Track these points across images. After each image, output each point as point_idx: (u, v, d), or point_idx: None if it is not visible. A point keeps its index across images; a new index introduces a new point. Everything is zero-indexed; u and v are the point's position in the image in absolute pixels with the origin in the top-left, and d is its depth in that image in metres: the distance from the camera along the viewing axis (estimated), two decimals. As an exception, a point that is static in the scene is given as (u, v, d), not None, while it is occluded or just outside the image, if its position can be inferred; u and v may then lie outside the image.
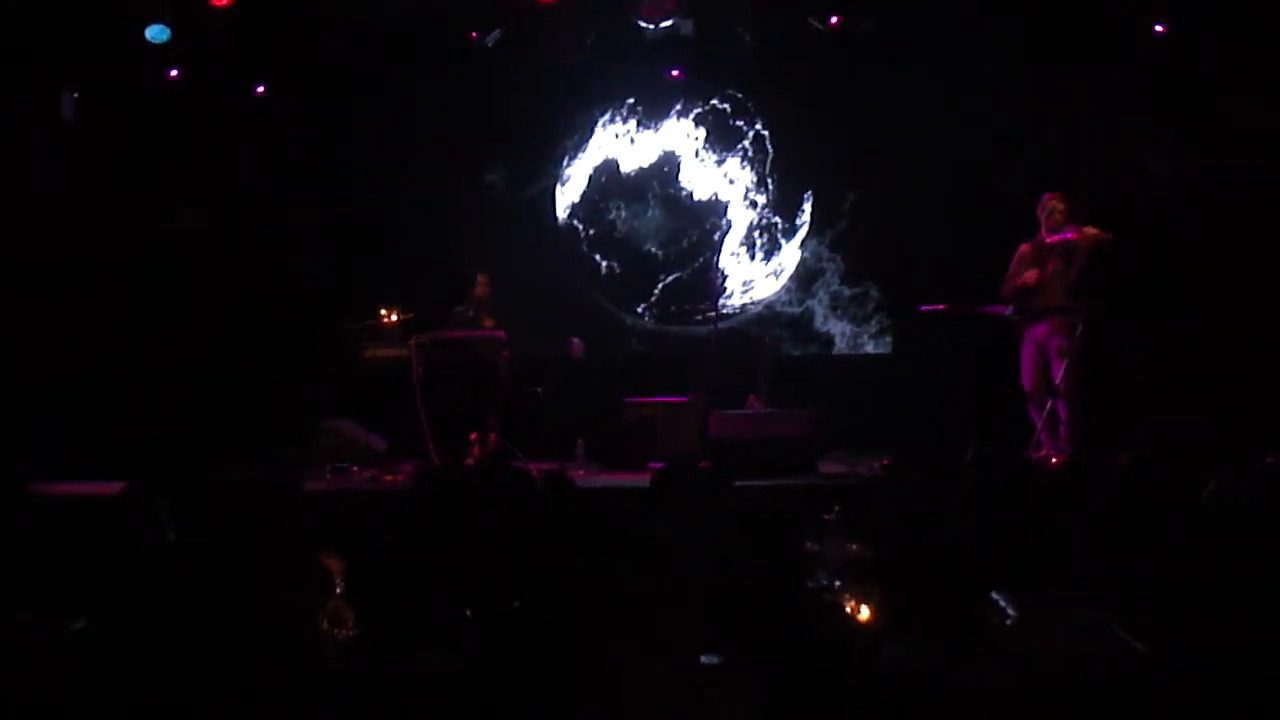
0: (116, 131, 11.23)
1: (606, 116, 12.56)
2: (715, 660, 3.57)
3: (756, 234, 12.47)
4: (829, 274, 12.07)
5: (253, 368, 11.14)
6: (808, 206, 12.35)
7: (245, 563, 4.05)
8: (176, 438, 9.98)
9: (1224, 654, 3.40)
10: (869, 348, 12.03)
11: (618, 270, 12.49)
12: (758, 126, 12.40)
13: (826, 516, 5.15)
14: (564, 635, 3.50)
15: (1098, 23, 10.52)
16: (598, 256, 12.50)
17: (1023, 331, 9.52)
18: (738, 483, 6.32)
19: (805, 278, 12.23)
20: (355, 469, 9.68)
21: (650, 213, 12.48)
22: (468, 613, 3.97)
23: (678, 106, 12.49)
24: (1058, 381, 9.16)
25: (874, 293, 11.94)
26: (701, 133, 12.51)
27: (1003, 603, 3.96)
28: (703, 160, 12.51)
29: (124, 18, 10.58)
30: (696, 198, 12.51)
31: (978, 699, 3.30)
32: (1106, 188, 9.75)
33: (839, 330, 12.05)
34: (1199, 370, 10.11)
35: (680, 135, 12.54)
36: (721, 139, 12.48)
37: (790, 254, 12.38)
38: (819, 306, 12.08)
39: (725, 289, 12.26)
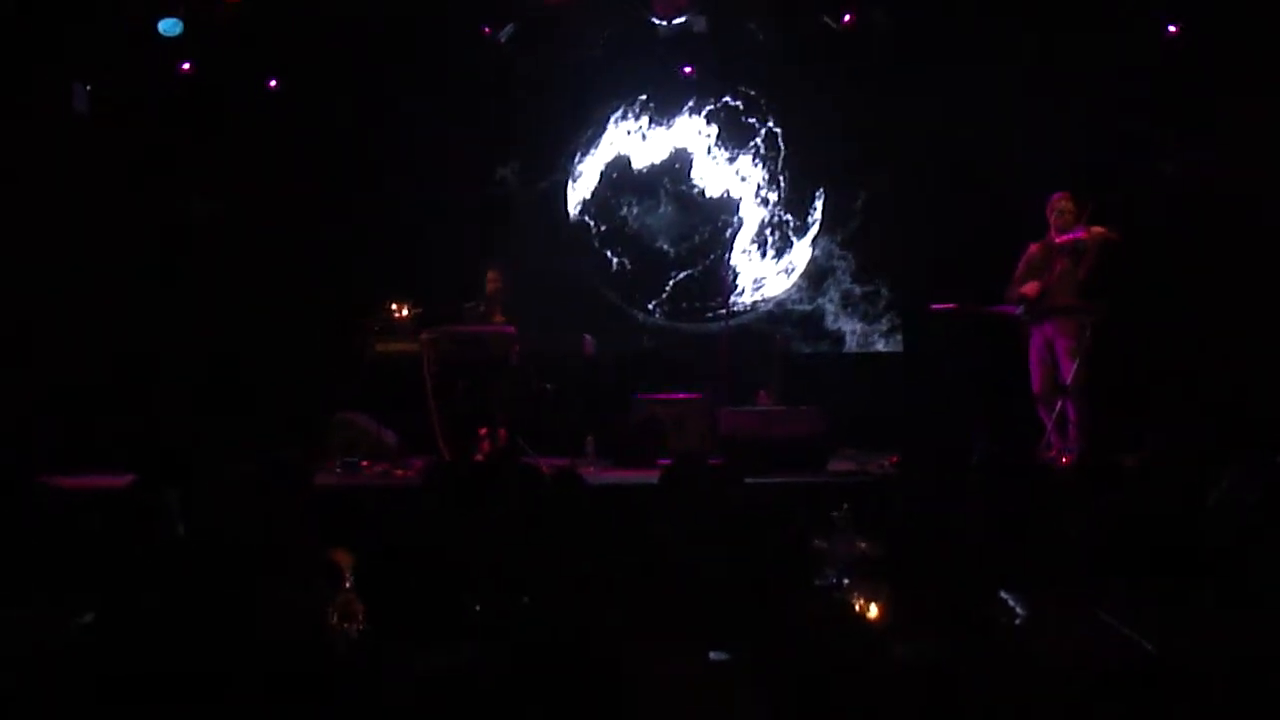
0: (129, 125, 11.24)
1: (619, 113, 12.56)
2: (723, 657, 3.57)
3: (768, 231, 12.47)
4: (840, 272, 12.06)
5: (264, 362, 11.13)
6: (819, 204, 12.35)
7: (255, 557, 4.06)
8: (187, 431, 10.00)
9: (1232, 654, 3.40)
10: (879, 346, 12.03)
11: (629, 267, 12.50)
12: (770, 124, 12.40)
13: (835, 514, 5.16)
14: (572, 631, 3.51)
15: (1111, 23, 10.51)
16: (609, 253, 12.51)
17: (1031, 331, 9.52)
18: (747, 480, 6.32)
19: (816, 276, 12.23)
20: (365, 464, 9.68)
21: (662, 209, 12.48)
22: (477, 608, 3.98)
23: (690, 103, 12.50)
24: (1067, 381, 9.15)
25: (885, 291, 11.94)
26: (714, 130, 12.51)
27: (1011, 602, 3.96)
28: (714, 157, 12.51)
29: (136, 11, 10.60)
30: (708, 195, 12.51)
31: (986, 698, 3.30)
32: (1116, 187, 9.73)
33: (849, 328, 12.04)
34: (1208, 370, 10.09)
35: (692, 132, 12.54)
36: (733, 136, 12.48)
37: (801, 252, 12.38)
38: (830, 304, 12.07)
39: (736, 286, 12.26)
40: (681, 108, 12.51)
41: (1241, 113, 10.16)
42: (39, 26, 10.43)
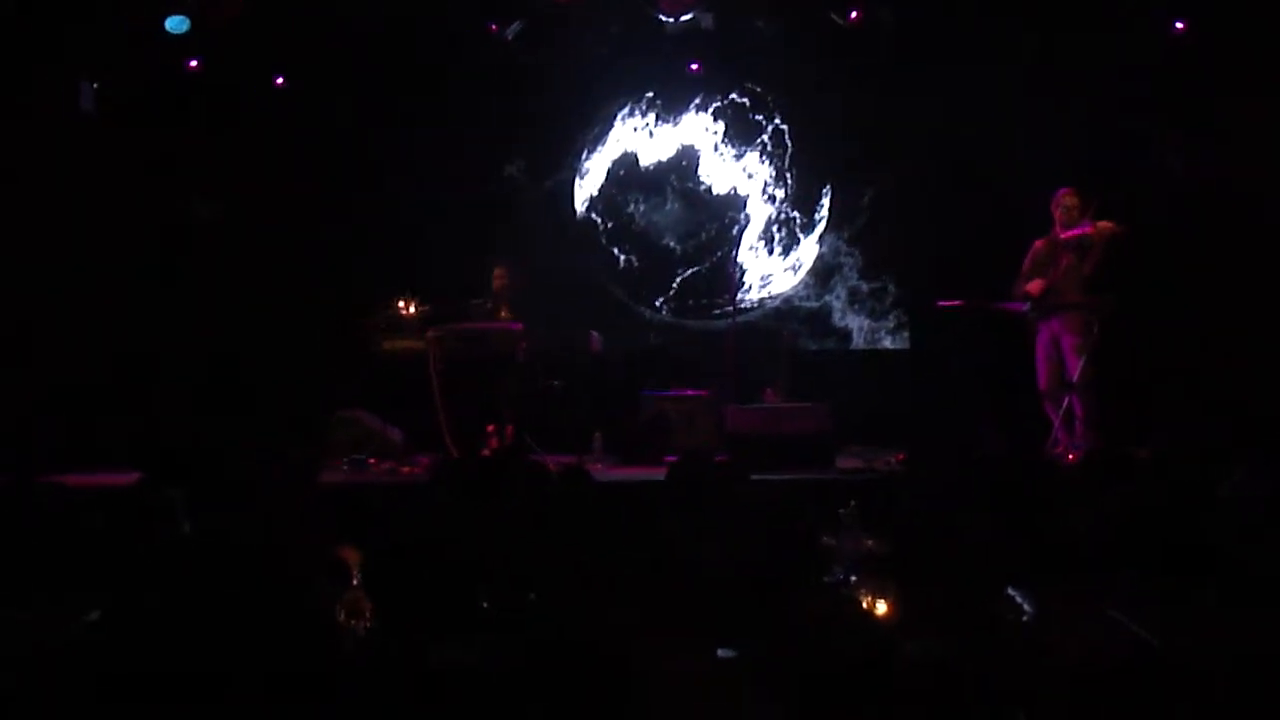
0: (135, 123, 11.25)
1: (626, 110, 12.56)
2: (731, 654, 3.57)
3: (775, 228, 12.46)
4: (847, 269, 12.05)
5: (270, 360, 11.15)
6: (826, 201, 12.34)
7: (261, 555, 4.07)
8: (191, 430, 10.02)
9: (1241, 650, 3.39)
10: (886, 343, 12.03)
11: (636, 264, 12.49)
12: (777, 121, 12.39)
13: (843, 511, 5.15)
14: (580, 628, 3.50)
15: (1115, 20, 10.50)
16: (616, 250, 12.50)
17: (1038, 327, 9.52)
18: (754, 477, 6.32)
19: (823, 272, 12.22)
20: (372, 461, 9.70)
21: (669, 206, 12.48)
22: (484, 605, 3.98)
23: (697, 100, 12.49)
24: (1074, 377, 9.15)
25: (892, 288, 11.93)
26: (720, 126, 12.51)
27: (1019, 599, 3.96)
28: (721, 154, 12.50)
29: (143, 8, 10.61)
30: (715, 192, 12.50)
31: (994, 695, 3.30)
32: (1122, 183, 9.73)
33: (856, 325, 12.03)
34: (1217, 365, 10.08)
35: (699, 129, 12.54)
36: (740, 133, 12.48)
37: (808, 248, 12.37)
38: (837, 301, 12.06)
39: (743, 283, 12.26)
40: (688, 105, 12.51)
41: (1244, 110, 10.15)
42: (46, 25, 10.44)
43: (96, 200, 10.90)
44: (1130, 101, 10.55)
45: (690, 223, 12.45)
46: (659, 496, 5.45)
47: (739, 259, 11.97)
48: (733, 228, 12.26)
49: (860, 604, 4.17)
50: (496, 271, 10.55)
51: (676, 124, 12.54)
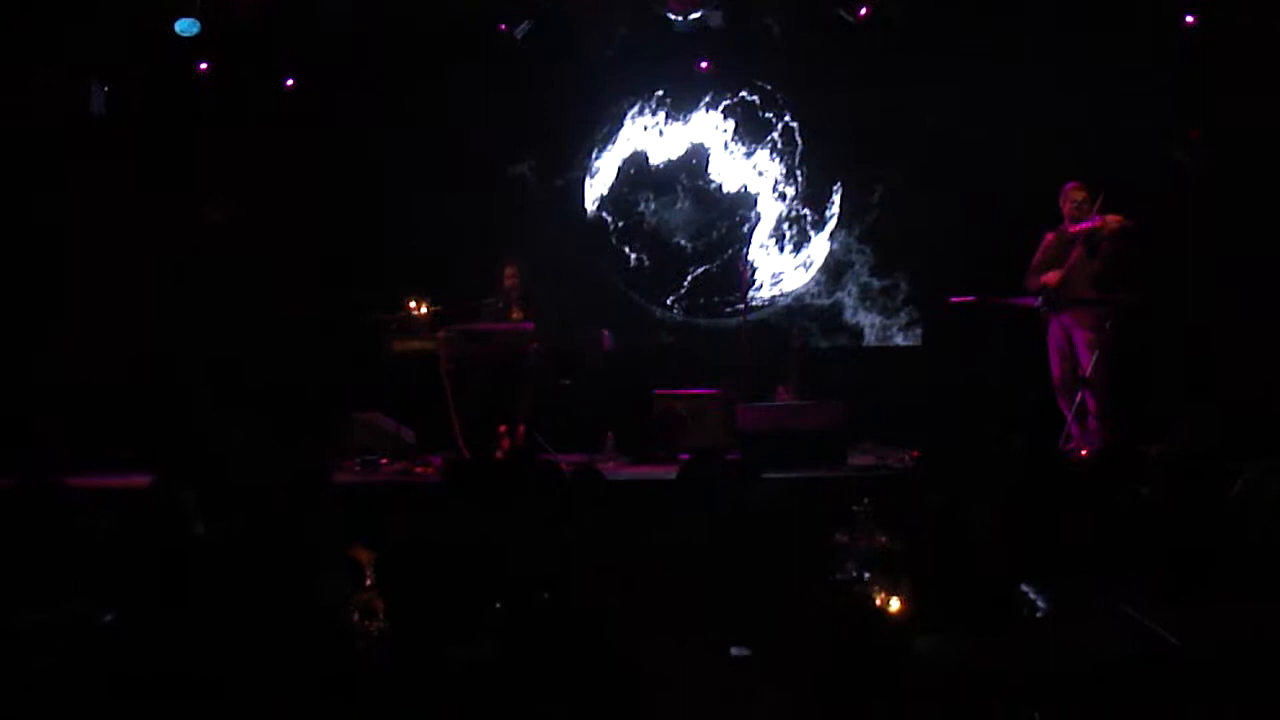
0: (146, 125, 11.28)
1: (635, 108, 12.54)
2: (744, 652, 3.57)
3: (786, 226, 12.44)
4: (858, 266, 12.02)
5: (281, 361, 11.16)
6: (837, 198, 12.32)
7: (274, 556, 4.07)
8: (205, 431, 10.04)
9: (1255, 647, 3.39)
10: (898, 340, 11.99)
11: (647, 262, 12.48)
12: (787, 118, 12.37)
13: (856, 509, 5.15)
14: (592, 627, 3.51)
15: (1127, 13, 10.48)
16: (627, 249, 12.49)
17: (1050, 322, 9.50)
18: (767, 474, 6.32)
19: (834, 270, 12.19)
20: (384, 461, 9.71)
21: (679, 205, 12.46)
22: (497, 605, 3.98)
23: (707, 98, 12.47)
24: (1086, 373, 9.13)
25: (903, 285, 11.88)
26: (730, 125, 12.49)
27: (1032, 595, 3.96)
28: (732, 152, 12.49)
29: (153, 10, 10.63)
30: (726, 190, 12.48)
31: (1007, 692, 3.30)
32: (1134, 178, 9.70)
33: (868, 322, 12.00)
34: (1230, 361, 10.06)
35: (709, 127, 12.52)
36: (751, 131, 12.45)
37: (819, 246, 12.35)
38: (848, 298, 12.03)
39: (754, 281, 12.24)
40: (698, 103, 12.49)
41: (1255, 104, 10.12)
42: (55, 27, 10.46)
43: (109, 201, 10.93)
44: (1141, 97, 10.51)
45: (701, 221, 12.43)
46: (671, 495, 5.45)
47: (750, 257, 11.97)
48: (743, 226, 12.26)
49: (873, 601, 4.17)
50: (507, 270, 10.55)
51: (686, 122, 12.52)
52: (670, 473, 6.47)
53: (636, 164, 12.55)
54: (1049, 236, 9.52)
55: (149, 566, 4.22)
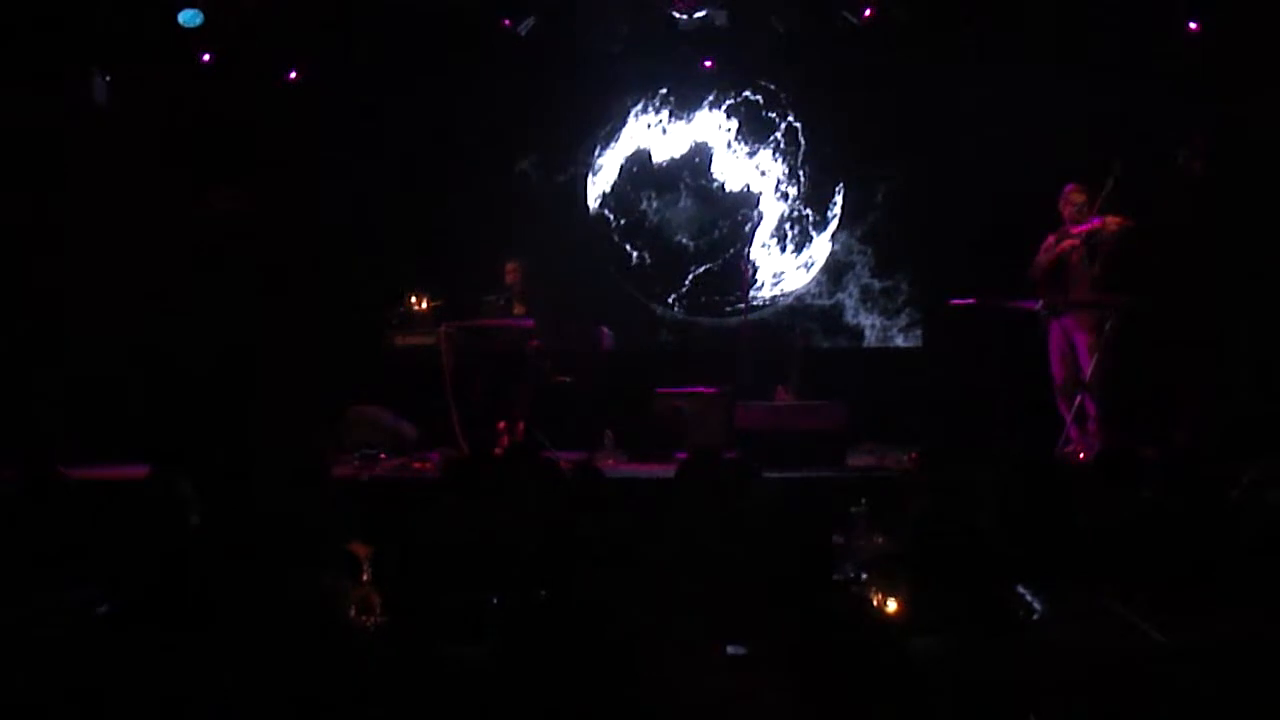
0: (149, 116, 11.27)
1: (639, 106, 12.55)
2: (741, 651, 3.57)
3: (788, 226, 12.43)
4: (859, 267, 12.03)
5: (282, 354, 11.15)
6: (839, 199, 12.31)
7: (272, 548, 4.07)
8: (203, 423, 10.04)
9: (1252, 649, 3.39)
10: (899, 341, 12.01)
11: (648, 260, 12.48)
12: (790, 118, 12.37)
13: (854, 509, 5.15)
14: (590, 625, 3.51)
15: (1130, 17, 10.47)
16: (628, 246, 12.49)
17: (1050, 325, 9.50)
18: (766, 474, 6.31)
19: (836, 270, 12.20)
20: (384, 456, 9.71)
21: (682, 203, 12.46)
22: (495, 601, 3.98)
23: (710, 97, 12.47)
24: (1086, 376, 9.13)
25: (904, 286, 11.90)
26: (734, 124, 12.48)
27: (1029, 597, 3.95)
28: (734, 151, 12.48)
29: (157, 1, 10.63)
30: (728, 189, 12.48)
31: (1003, 692, 3.30)
32: (1137, 179, 9.69)
33: (869, 323, 12.01)
34: (1230, 364, 10.06)
35: (712, 126, 12.52)
36: (754, 130, 12.45)
37: (821, 246, 12.34)
38: (849, 299, 12.05)
39: (756, 281, 12.23)
40: (701, 102, 12.49)
41: (1260, 106, 10.11)
42: (59, 17, 10.46)
43: (111, 193, 10.91)
44: (1142, 98, 10.49)
45: (703, 220, 12.43)
46: (670, 493, 5.44)
47: (751, 256, 11.96)
48: (745, 225, 12.26)
49: (871, 602, 4.17)
50: (509, 267, 10.54)
51: (689, 121, 12.52)
52: (669, 471, 6.46)
53: (639, 162, 12.55)
54: (1050, 238, 9.51)
55: (145, 558, 4.22)
